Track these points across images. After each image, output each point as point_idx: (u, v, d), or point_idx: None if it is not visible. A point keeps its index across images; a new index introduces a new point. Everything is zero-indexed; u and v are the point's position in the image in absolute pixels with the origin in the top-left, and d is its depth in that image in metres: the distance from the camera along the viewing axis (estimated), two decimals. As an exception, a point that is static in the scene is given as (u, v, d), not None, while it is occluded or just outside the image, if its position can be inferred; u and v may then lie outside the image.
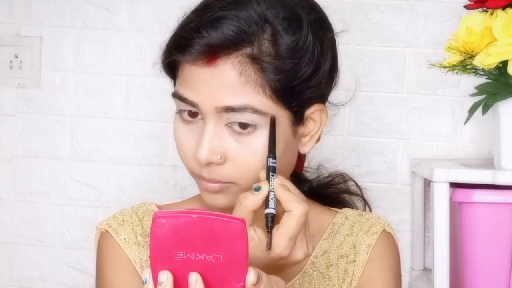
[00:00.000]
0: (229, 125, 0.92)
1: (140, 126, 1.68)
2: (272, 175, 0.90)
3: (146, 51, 1.66)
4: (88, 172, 1.69)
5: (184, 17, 0.96)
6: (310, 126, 0.98)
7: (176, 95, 0.95)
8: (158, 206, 1.09)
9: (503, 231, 1.30)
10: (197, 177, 0.96)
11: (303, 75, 0.93)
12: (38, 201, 1.70)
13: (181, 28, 0.94)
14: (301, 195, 0.90)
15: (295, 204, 0.87)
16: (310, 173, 1.22)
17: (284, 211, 0.88)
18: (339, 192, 1.22)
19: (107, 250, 1.05)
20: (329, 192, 1.22)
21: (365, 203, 1.23)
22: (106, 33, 1.67)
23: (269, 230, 0.86)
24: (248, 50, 0.90)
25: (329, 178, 1.24)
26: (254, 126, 0.91)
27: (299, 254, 0.88)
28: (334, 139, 1.60)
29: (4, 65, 1.69)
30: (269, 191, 0.89)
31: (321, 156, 1.26)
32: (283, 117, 0.93)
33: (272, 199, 0.88)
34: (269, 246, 0.86)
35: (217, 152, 0.91)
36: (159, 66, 1.00)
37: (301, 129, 0.97)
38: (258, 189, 0.89)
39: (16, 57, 1.68)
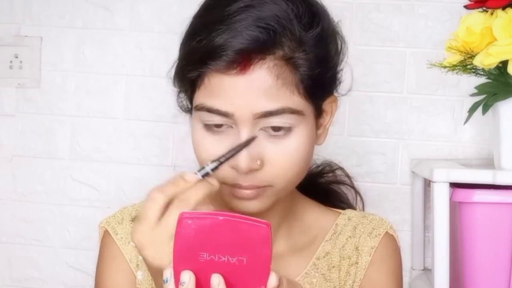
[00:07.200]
0: (264, 129, 0.90)
1: (140, 126, 1.67)
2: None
3: (146, 51, 1.66)
4: (88, 172, 1.69)
5: (196, 26, 0.93)
6: (323, 117, 0.98)
7: (203, 108, 0.91)
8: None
9: (503, 231, 1.30)
10: (231, 186, 0.93)
11: (333, 65, 0.94)
12: (38, 201, 1.70)
13: (203, 37, 0.89)
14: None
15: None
16: None
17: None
18: (328, 183, 1.22)
19: (105, 249, 1.06)
20: (322, 182, 1.22)
21: (355, 191, 1.23)
22: (106, 33, 1.67)
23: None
24: (280, 52, 0.89)
25: (320, 168, 1.25)
26: (289, 128, 0.90)
27: None
28: (334, 139, 1.60)
29: (4, 65, 1.68)
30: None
31: (321, 156, 1.26)
32: (310, 113, 0.93)
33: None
34: None
35: (257, 158, 0.90)
36: (172, 81, 0.97)
37: (319, 122, 0.97)
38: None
39: (16, 57, 1.68)
